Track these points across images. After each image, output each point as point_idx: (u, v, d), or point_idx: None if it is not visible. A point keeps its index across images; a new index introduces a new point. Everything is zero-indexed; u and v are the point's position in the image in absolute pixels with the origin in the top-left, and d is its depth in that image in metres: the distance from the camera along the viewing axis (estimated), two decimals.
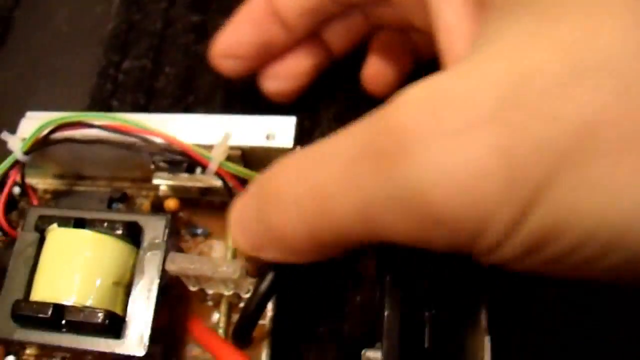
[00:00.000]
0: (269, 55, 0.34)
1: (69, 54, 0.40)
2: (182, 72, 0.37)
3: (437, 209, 0.17)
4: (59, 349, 0.29)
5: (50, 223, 0.28)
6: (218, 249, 0.32)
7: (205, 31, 0.38)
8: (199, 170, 0.31)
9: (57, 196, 0.34)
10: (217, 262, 0.27)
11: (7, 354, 0.30)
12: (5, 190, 0.32)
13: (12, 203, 0.33)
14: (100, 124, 0.29)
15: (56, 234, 0.28)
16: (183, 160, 0.30)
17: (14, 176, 0.31)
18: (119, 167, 0.33)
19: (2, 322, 0.28)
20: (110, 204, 0.33)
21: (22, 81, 0.40)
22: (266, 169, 0.25)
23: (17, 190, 0.33)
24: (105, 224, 0.28)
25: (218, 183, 0.30)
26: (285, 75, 0.34)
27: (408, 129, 0.17)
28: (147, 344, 0.26)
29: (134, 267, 0.28)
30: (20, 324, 0.27)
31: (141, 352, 0.26)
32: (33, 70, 0.40)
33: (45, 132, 0.30)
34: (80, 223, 0.28)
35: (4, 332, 0.27)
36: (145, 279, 0.28)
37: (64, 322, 0.27)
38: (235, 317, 0.30)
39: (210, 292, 0.29)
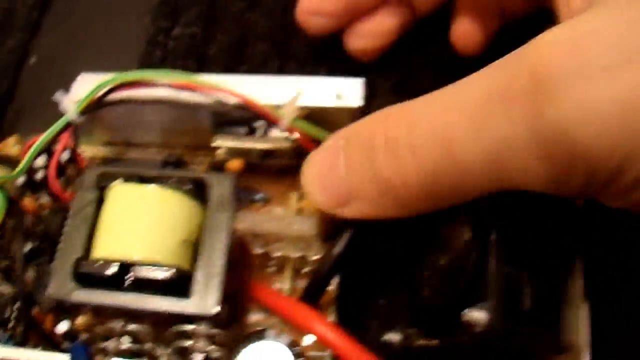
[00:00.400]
0: (356, 13, 0.33)
1: (115, 20, 0.39)
2: (234, 41, 0.36)
3: (582, 147, 0.17)
4: (116, 314, 0.28)
5: (113, 179, 0.27)
6: (278, 214, 0.30)
7: (257, 0, 0.37)
8: (259, 133, 0.30)
9: (107, 163, 0.33)
10: (289, 219, 0.26)
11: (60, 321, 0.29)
12: (57, 152, 0.30)
13: (59, 169, 0.32)
14: (163, 82, 0.28)
15: (121, 190, 0.27)
16: (248, 119, 0.29)
17: (65, 140, 0.30)
18: (174, 131, 0.32)
19: (61, 283, 0.26)
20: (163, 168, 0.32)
21: (68, 46, 0.39)
22: (348, 124, 0.24)
23: (63, 156, 0.32)
24: (173, 180, 0.27)
25: (284, 144, 0.29)
26: (372, 33, 0.33)
27: (553, 68, 0.17)
28: (218, 303, 0.25)
29: (201, 224, 0.27)
30: (80, 284, 0.26)
31: (212, 311, 0.25)
32: (78, 36, 0.39)
33: (102, 92, 0.29)
34: (144, 180, 0.27)
35: (63, 293, 0.26)
36: (213, 237, 0.26)
37: (128, 281, 0.25)
38: (299, 282, 0.29)
39: (276, 254, 0.28)
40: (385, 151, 0.21)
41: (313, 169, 0.24)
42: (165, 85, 0.28)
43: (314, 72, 0.33)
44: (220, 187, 0.27)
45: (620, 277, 0.28)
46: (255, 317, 0.28)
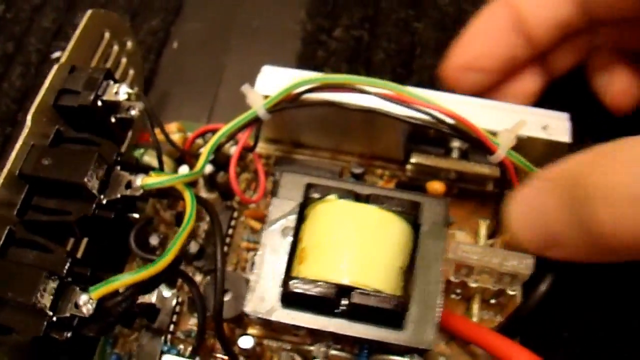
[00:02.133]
0: (510, 70, 0.31)
1: (265, 12, 0.37)
2: (403, 49, 0.35)
3: None
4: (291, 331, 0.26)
5: (325, 193, 0.26)
6: (461, 239, 0.29)
7: (423, 9, 0.36)
8: (454, 154, 0.29)
9: (273, 162, 0.31)
10: (506, 255, 0.25)
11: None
12: (238, 149, 0.29)
13: (224, 164, 0.30)
14: (375, 92, 0.27)
15: (337, 206, 0.25)
16: (444, 139, 0.28)
17: (247, 135, 0.29)
18: (355, 140, 0.30)
19: (261, 300, 0.25)
20: (340, 177, 0.30)
21: (212, 35, 0.37)
22: (563, 162, 0.23)
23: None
24: (393, 202, 0.25)
25: (483, 170, 0.28)
26: (516, 95, 0.31)
27: None
28: (434, 336, 0.24)
29: (414, 250, 0.25)
30: (286, 304, 0.24)
31: (431, 345, 0.24)
32: (224, 25, 0.37)
33: (298, 91, 0.27)
34: (357, 197, 0.26)
35: (263, 312, 0.25)
36: (426, 264, 0.25)
37: (342, 306, 0.24)
38: (483, 314, 0.28)
39: (472, 285, 0.27)
40: (601, 199, 0.20)
41: (518, 207, 0.24)
42: (373, 94, 0.27)
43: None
44: (434, 212, 0.26)
45: None
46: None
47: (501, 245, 0.28)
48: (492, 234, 0.29)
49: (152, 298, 0.28)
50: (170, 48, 0.37)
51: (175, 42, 0.37)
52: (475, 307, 0.28)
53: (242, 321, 0.28)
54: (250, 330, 0.28)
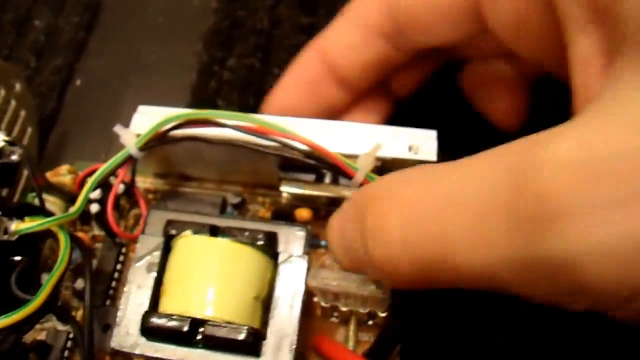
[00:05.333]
0: (329, 115, 0.31)
1: (164, 47, 0.38)
2: None
3: (587, 279, 0.16)
4: None
5: (182, 229, 0.26)
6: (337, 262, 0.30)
7: (315, 34, 0.36)
8: (327, 179, 0.29)
9: (161, 197, 0.32)
10: (364, 279, 0.26)
11: None
12: (114, 188, 0.29)
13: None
14: (234, 124, 0.27)
15: (191, 242, 0.26)
16: (316, 166, 0.28)
17: (123, 173, 0.29)
18: (234, 170, 0.31)
19: (126, 335, 0.25)
20: (223, 209, 0.31)
21: (114, 71, 0.38)
22: (367, 186, 0.23)
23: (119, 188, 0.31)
24: (247, 233, 0.26)
25: (349, 194, 0.29)
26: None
27: (560, 197, 0.16)
28: None
29: (272, 280, 0.26)
30: (147, 337, 0.25)
31: None
32: (125, 61, 0.38)
33: (165, 128, 0.28)
34: (214, 230, 0.26)
35: (128, 346, 0.25)
36: (286, 294, 0.26)
37: (198, 337, 0.25)
38: (362, 335, 0.28)
39: (343, 309, 0.27)
40: (375, 238, 0.20)
41: (335, 231, 0.24)
42: (232, 126, 0.27)
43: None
44: (292, 241, 0.26)
45: None
46: None
47: None
48: None
49: (42, 335, 0.29)
50: (73, 85, 0.38)
51: (78, 80, 0.38)
52: (352, 329, 0.28)
53: (126, 354, 0.29)
54: None
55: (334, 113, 0.31)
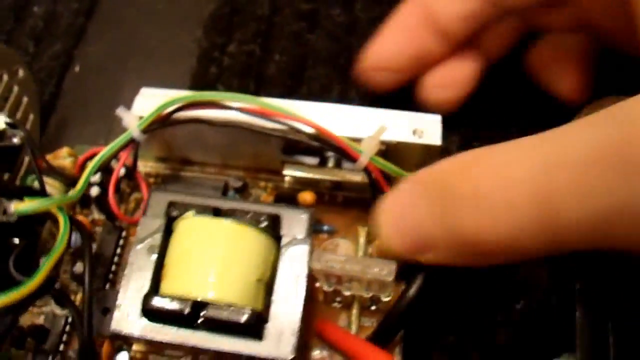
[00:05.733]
0: (425, 66, 0.32)
1: (164, 32, 0.38)
2: (294, 61, 0.35)
3: None
4: (174, 346, 0.27)
5: (184, 210, 0.26)
6: (344, 247, 0.30)
7: (317, 21, 0.36)
8: (330, 163, 0.29)
9: (162, 181, 0.32)
10: (368, 262, 0.25)
11: (118, 349, 0.28)
12: (116, 171, 0.29)
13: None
14: (238, 107, 0.27)
15: (193, 223, 0.26)
16: (320, 149, 0.28)
17: (125, 156, 0.29)
18: (239, 153, 0.31)
19: (126, 317, 0.25)
20: (225, 193, 0.31)
21: (113, 57, 0.37)
22: (433, 166, 0.23)
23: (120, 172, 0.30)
24: (250, 215, 0.25)
25: (354, 178, 0.28)
26: (449, 83, 0.32)
27: None
28: (294, 350, 0.24)
29: (274, 263, 0.26)
30: (149, 319, 0.25)
31: (289, 356, 0.24)
32: (124, 47, 0.38)
33: (168, 110, 0.28)
34: (217, 212, 0.26)
35: (130, 328, 0.25)
36: (289, 277, 0.25)
37: (200, 319, 0.24)
38: (365, 320, 0.28)
39: (346, 293, 0.27)
40: (474, 205, 0.20)
41: (389, 213, 0.24)
42: (236, 109, 0.27)
43: (377, 100, 0.32)
44: (295, 224, 0.26)
45: None
46: (322, 354, 0.27)
47: (376, 251, 0.28)
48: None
49: (40, 319, 0.29)
50: (72, 72, 0.37)
51: (77, 66, 0.38)
52: (355, 314, 0.28)
53: (127, 338, 0.28)
54: (135, 347, 0.28)
55: (430, 63, 0.32)
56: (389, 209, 0.24)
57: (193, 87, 0.35)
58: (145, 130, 0.28)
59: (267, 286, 0.25)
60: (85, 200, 0.31)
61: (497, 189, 0.20)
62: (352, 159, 0.26)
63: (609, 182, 0.18)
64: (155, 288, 0.26)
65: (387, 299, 0.27)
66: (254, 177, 0.31)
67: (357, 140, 0.27)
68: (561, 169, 0.18)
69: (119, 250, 0.30)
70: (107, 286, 0.30)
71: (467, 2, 0.30)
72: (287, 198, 0.30)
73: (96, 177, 0.29)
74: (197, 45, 0.36)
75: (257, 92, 0.34)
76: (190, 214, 0.26)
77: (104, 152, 0.28)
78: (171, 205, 0.26)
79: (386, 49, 0.31)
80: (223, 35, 0.36)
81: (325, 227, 0.30)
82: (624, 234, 0.18)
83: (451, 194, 0.21)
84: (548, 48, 0.32)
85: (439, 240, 0.22)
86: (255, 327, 0.24)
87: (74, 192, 0.28)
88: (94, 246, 0.30)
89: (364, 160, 0.26)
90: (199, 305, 0.24)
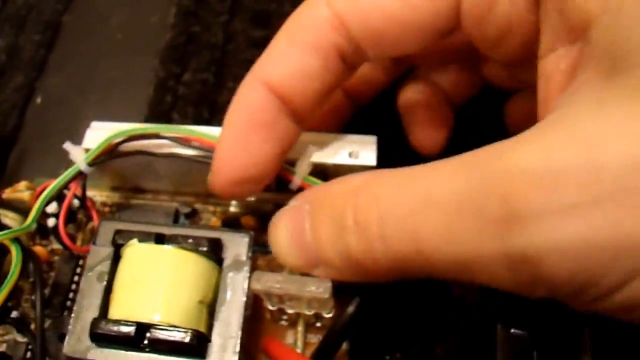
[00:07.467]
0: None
1: (123, 63, 0.39)
2: None
3: (546, 271, 0.18)
4: None
5: (129, 238, 0.27)
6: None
7: None
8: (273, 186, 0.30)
9: (117, 209, 0.33)
10: (305, 281, 0.27)
11: None
12: (66, 202, 0.30)
13: (69, 215, 0.32)
14: (177, 137, 0.28)
15: (137, 250, 0.27)
16: None
17: (75, 188, 0.30)
18: (186, 181, 0.32)
19: (78, 341, 0.26)
20: (176, 219, 0.32)
21: (73, 88, 0.39)
22: (327, 183, 0.25)
23: (74, 202, 0.32)
24: (190, 240, 0.27)
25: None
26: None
27: (524, 200, 0.18)
28: None
29: (217, 285, 0.27)
30: (97, 343, 0.26)
31: None
32: (85, 78, 0.39)
33: (115, 142, 0.29)
34: (160, 238, 0.27)
35: (79, 351, 0.26)
36: (229, 297, 0.27)
37: (145, 341, 0.26)
38: (311, 337, 0.29)
39: (289, 311, 0.28)
40: (355, 232, 0.22)
41: (283, 229, 0.25)
42: (173, 139, 0.28)
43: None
44: (236, 247, 0.27)
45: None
46: None
47: None
48: None
49: (2, 346, 0.30)
50: (34, 103, 0.39)
51: (39, 98, 0.39)
52: (300, 331, 0.29)
53: None
54: None
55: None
56: (284, 225, 0.25)
57: (150, 116, 0.36)
58: (91, 163, 0.29)
59: (210, 307, 0.27)
60: (44, 231, 0.32)
61: (375, 223, 0.21)
62: (287, 180, 0.28)
63: (467, 232, 0.19)
64: (103, 313, 0.27)
65: (329, 315, 0.28)
66: (204, 202, 0.32)
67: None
68: (429, 212, 0.20)
69: (76, 278, 0.32)
70: (65, 313, 0.31)
71: (324, 72, 0.25)
72: (233, 222, 0.31)
73: (53, 208, 0.31)
74: (154, 74, 0.38)
75: (211, 119, 0.36)
76: (134, 241, 0.27)
77: (54, 184, 0.30)
78: (117, 233, 0.28)
79: (244, 157, 0.26)
80: (179, 64, 0.38)
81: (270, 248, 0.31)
82: (485, 276, 0.20)
83: (339, 218, 0.22)
84: (411, 93, 0.32)
85: (328, 259, 0.23)
86: (198, 346, 0.25)
87: (26, 224, 0.29)
88: (52, 275, 0.32)
89: (297, 180, 0.28)
90: (143, 328, 0.25)
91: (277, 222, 0.25)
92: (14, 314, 0.30)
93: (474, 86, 0.32)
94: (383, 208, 0.21)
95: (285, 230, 0.24)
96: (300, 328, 0.29)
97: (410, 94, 0.32)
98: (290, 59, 0.25)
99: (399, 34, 0.25)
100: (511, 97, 0.32)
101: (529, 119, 0.28)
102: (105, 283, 0.27)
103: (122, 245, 0.28)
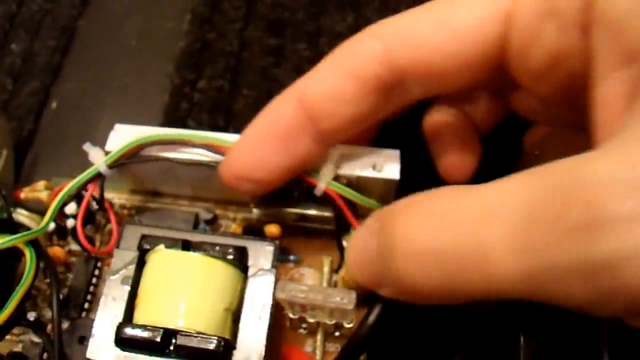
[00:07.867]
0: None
1: (137, 69, 0.39)
2: (262, 96, 0.37)
3: (628, 279, 0.17)
4: None
5: (155, 243, 0.28)
6: (309, 276, 0.31)
7: (283, 56, 0.38)
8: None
9: (135, 212, 0.33)
10: (330, 292, 0.27)
11: None
12: (84, 203, 0.30)
13: (88, 217, 0.32)
14: (199, 144, 0.29)
15: (164, 256, 0.27)
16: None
17: (92, 189, 0.30)
18: (207, 187, 0.32)
19: (101, 345, 0.26)
20: (196, 224, 0.32)
21: (88, 94, 0.39)
22: (391, 205, 0.24)
23: (93, 204, 0.32)
24: (217, 248, 0.27)
25: (321, 211, 0.30)
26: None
27: (615, 205, 0.17)
28: None
29: (242, 293, 0.27)
30: (121, 348, 0.26)
31: None
32: (100, 83, 0.39)
33: (136, 147, 0.30)
34: (187, 245, 0.27)
35: (106, 357, 0.26)
36: (255, 306, 0.27)
37: (171, 347, 0.26)
38: (329, 346, 0.30)
39: (310, 320, 0.29)
40: (408, 255, 0.21)
41: (354, 248, 0.25)
42: (198, 145, 0.29)
43: None
44: (261, 256, 0.28)
45: None
46: None
47: (340, 280, 0.30)
48: (337, 269, 0.31)
49: (19, 346, 0.30)
50: (49, 108, 0.39)
51: (54, 103, 0.39)
52: (319, 339, 0.29)
53: None
54: None
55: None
56: (354, 243, 0.25)
57: (165, 122, 0.37)
58: (111, 166, 0.30)
59: (235, 315, 0.27)
60: (62, 232, 0.32)
61: (428, 235, 0.21)
62: (312, 186, 0.28)
63: (543, 243, 0.18)
64: (128, 317, 0.27)
65: (349, 325, 0.29)
66: (224, 209, 0.33)
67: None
68: (496, 225, 0.19)
69: (94, 280, 0.32)
70: (84, 315, 0.31)
71: (359, 101, 0.26)
72: (255, 230, 0.31)
73: (72, 209, 0.31)
74: (169, 81, 0.38)
75: (226, 126, 0.36)
76: (161, 247, 0.27)
77: (71, 184, 0.30)
78: (143, 238, 0.28)
79: (256, 157, 0.27)
80: (194, 71, 0.38)
81: (292, 257, 0.31)
82: (556, 290, 0.19)
83: (388, 240, 0.22)
84: (436, 119, 0.31)
85: (386, 280, 0.23)
86: (223, 354, 0.26)
87: (41, 225, 0.29)
88: (70, 276, 0.32)
89: (322, 185, 0.28)
90: (169, 334, 0.26)
91: (352, 236, 0.25)
92: (31, 315, 0.29)
93: (500, 115, 0.32)
94: (438, 220, 0.20)
95: (354, 248, 0.24)
96: (319, 337, 0.29)
97: (438, 119, 0.31)
98: (328, 81, 0.26)
99: (447, 67, 0.25)
100: (531, 126, 0.32)
101: (547, 148, 0.30)
102: (129, 287, 0.27)
103: (147, 250, 0.28)
